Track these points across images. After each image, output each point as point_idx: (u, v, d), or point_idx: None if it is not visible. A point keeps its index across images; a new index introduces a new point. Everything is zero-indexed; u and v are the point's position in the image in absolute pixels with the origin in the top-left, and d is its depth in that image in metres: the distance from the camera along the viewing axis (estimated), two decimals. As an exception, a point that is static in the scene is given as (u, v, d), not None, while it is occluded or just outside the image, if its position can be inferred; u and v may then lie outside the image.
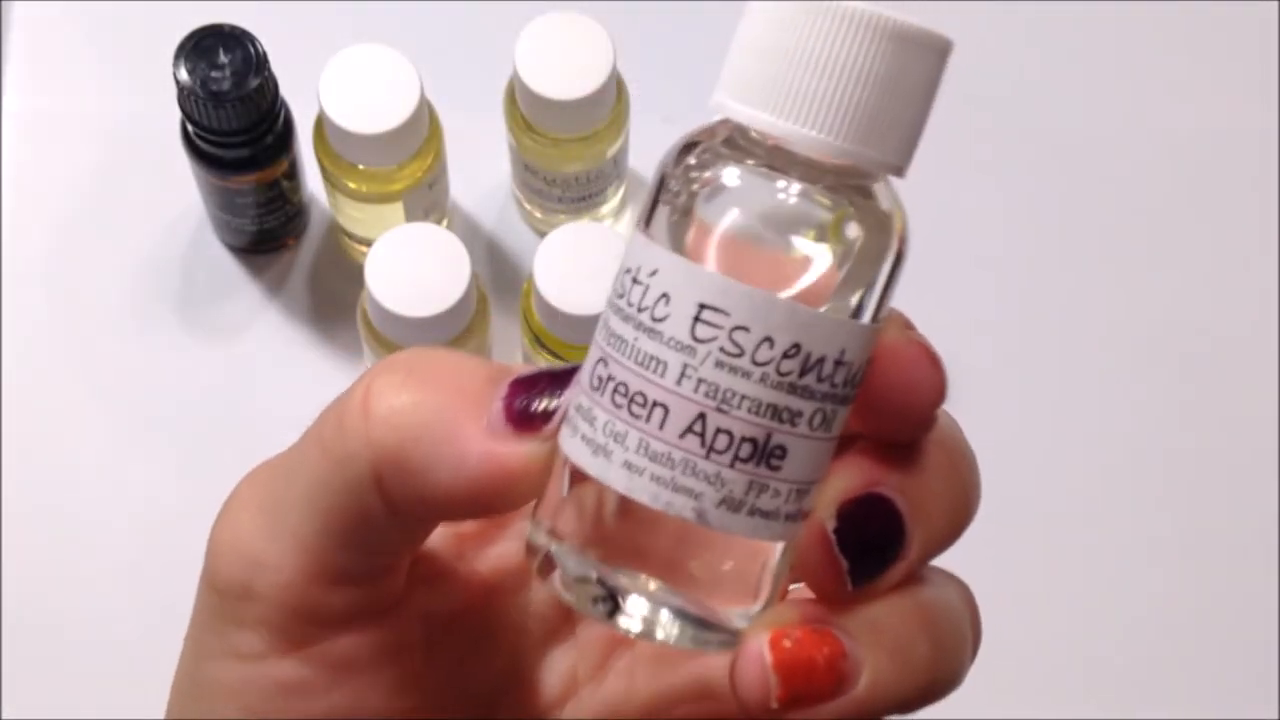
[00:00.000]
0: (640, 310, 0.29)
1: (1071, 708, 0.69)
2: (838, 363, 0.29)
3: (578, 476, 0.30)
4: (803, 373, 0.29)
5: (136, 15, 0.76)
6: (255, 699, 0.31)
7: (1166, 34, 0.79)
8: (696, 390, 0.29)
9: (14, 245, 0.73)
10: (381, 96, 0.64)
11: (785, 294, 0.29)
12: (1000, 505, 0.74)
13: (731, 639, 0.30)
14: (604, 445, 0.29)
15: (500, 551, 0.34)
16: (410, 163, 0.67)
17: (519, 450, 0.29)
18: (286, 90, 0.66)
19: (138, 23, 0.76)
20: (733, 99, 0.29)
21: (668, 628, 0.30)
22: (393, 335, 0.63)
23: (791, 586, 0.31)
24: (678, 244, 0.29)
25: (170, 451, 0.71)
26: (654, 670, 0.34)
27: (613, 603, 0.30)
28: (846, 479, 0.30)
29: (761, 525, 0.29)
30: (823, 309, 0.29)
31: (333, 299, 0.73)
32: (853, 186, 0.29)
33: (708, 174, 0.30)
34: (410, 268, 0.62)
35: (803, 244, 0.29)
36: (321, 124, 0.66)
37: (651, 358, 0.29)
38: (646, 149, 0.72)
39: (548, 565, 0.30)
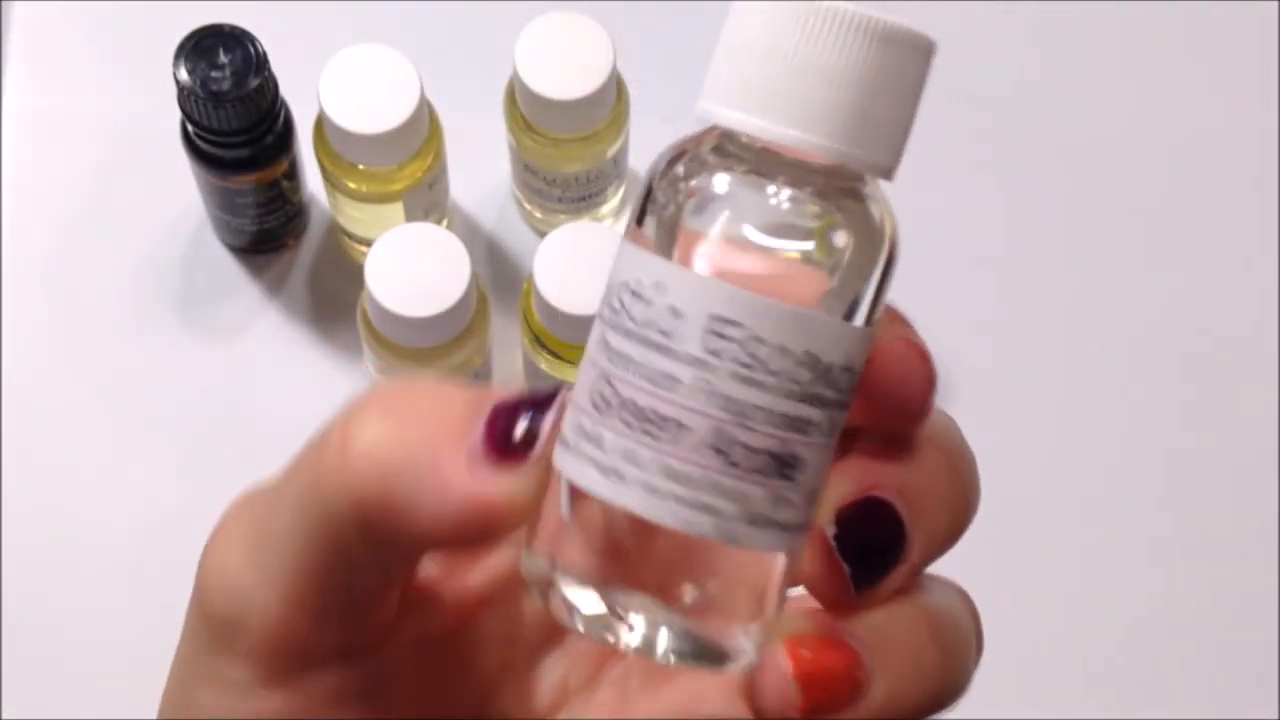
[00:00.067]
0: (646, 326, 0.28)
1: (1071, 708, 0.69)
2: (844, 369, 0.29)
3: (579, 500, 0.29)
4: (815, 381, 0.29)
5: (136, 15, 0.76)
6: None
7: (1166, 34, 0.79)
8: (715, 405, 0.28)
9: (14, 245, 0.73)
10: (381, 96, 0.64)
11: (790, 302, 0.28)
12: (1000, 505, 0.74)
13: (746, 656, 0.29)
14: (616, 467, 0.28)
15: (491, 562, 0.34)
16: (410, 163, 0.67)
17: (503, 484, 0.29)
18: (286, 90, 0.66)
19: (138, 23, 0.76)
20: (719, 105, 0.29)
21: (682, 650, 0.29)
22: (393, 335, 0.63)
23: (790, 592, 0.31)
24: (669, 255, 0.29)
25: (170, 451, 0.71)
26: (647, 681, 0.34)
27: (624, 628, 0.29)
28: (844, 484, 0.30)
29: (779, 538, 0.29)
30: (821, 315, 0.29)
31: (333, 299, 0.73)
32: (842, 190, 0.29)
33: (696, 183, 0.29)
34: (410, 268, 0.62)
35: (796, 250, 0.29)
36: (321, 124, 0.66)
37: (664, 374, 0.28)
38: (646, 149, 0.72)
39: (552, 594, 0.30)
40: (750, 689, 0.30)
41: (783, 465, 0.29)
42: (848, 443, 0.30)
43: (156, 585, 0.69)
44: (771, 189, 0.29)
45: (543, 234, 0.65)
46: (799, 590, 0.31)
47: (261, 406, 0.72)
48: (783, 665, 0.29)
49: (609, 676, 0.34)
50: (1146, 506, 0.73)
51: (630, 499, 0.28)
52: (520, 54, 0.65)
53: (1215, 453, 0.73)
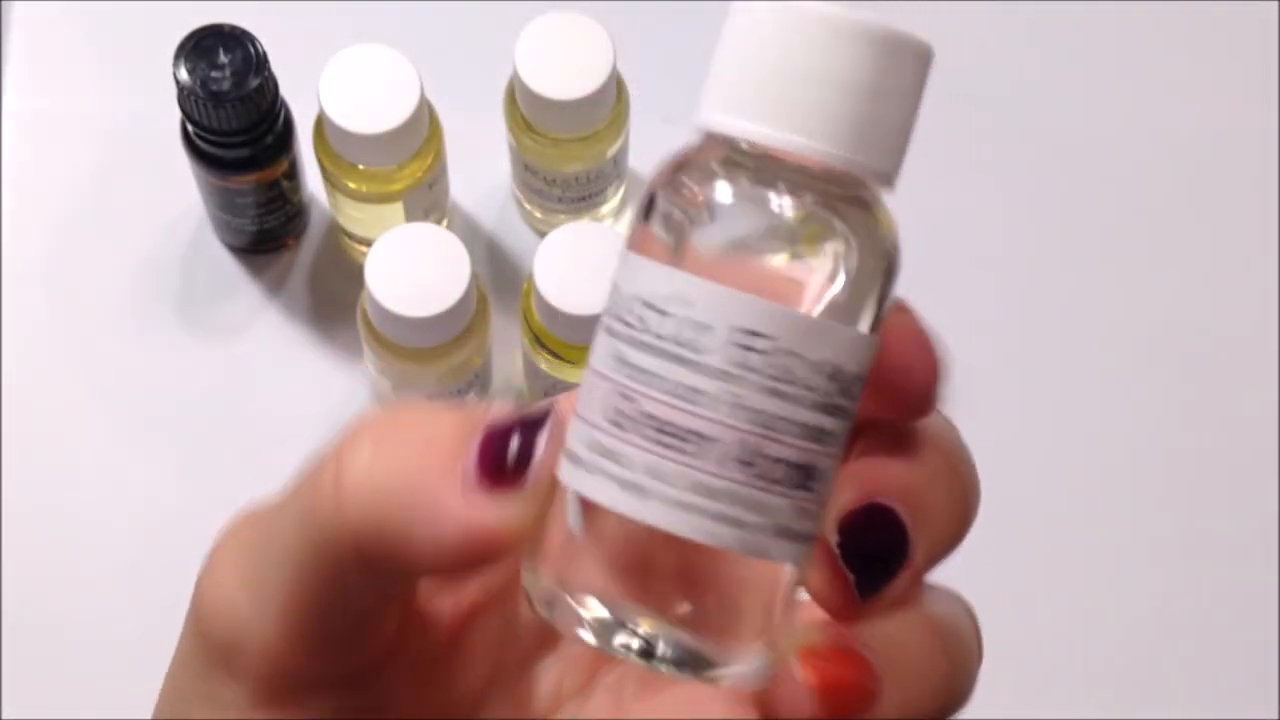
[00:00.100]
0: (668, 340, 0.28)
1: (1071, 708, 0.69)
2: (858, 378, 0.29)
3: (590, 516, 0.29)
4: (836, 391, 0.28)
5: (136, 15, 0.76)
6: None
7: (1166, 34, 0.79)
8: (742, 418, 0.28)
9: (14, 245, 0.73)
10: (381, 96, 0.64)
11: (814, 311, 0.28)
12: (1000, 505, 0.74)
13: (756, 667, 0.29)
14: (638, 483, 0.28)
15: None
16: (410, 163, 0.67)
17: (501, 511, 0.28)
18: (286, 90, 0.66)
19: (138, 23, 0.76)
20: (722, 113, 0.29)
21: (692, 663, 0.29)
22: (393, 335, 0.63)
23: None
24: (681, 267, 0.28)
25: (170, 451, 0.71)
26: (643, 688, 0.34)
27: (635, 642, 0.29)
28: (846, 491, 0.30)
29: (800, 550, 0.29)
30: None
31: (333, 299, 0.73)
32: (846, 198, 0.29)
33: (702, 193, 0.29)
34: (410, 268, 0.62)
35: (803, 260, 0.29)
36: (321, 124, 0.66)
37: (689, 388, 0.28)
38: (646, 149, 0.72)
39: (559, 610, 0.29)
40: (767, 701, 0.29)
41: (805, 476, 0.28)
42: (848, 446, 0.30)
43: (156, 585, 0.69)
44: (776, 198, 0.29)
45: (543, 234, 0.65)
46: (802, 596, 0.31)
47: (261, 406, 0.72)
48: (800, 677, 0.29)
49: (603, 683, 0.34)
50: (1146, 506, 0.73)
51: (654, 514, 0.28)
52: (520, 54, 0.65)
53: (1215, 453, 0.73)
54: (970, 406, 0.76)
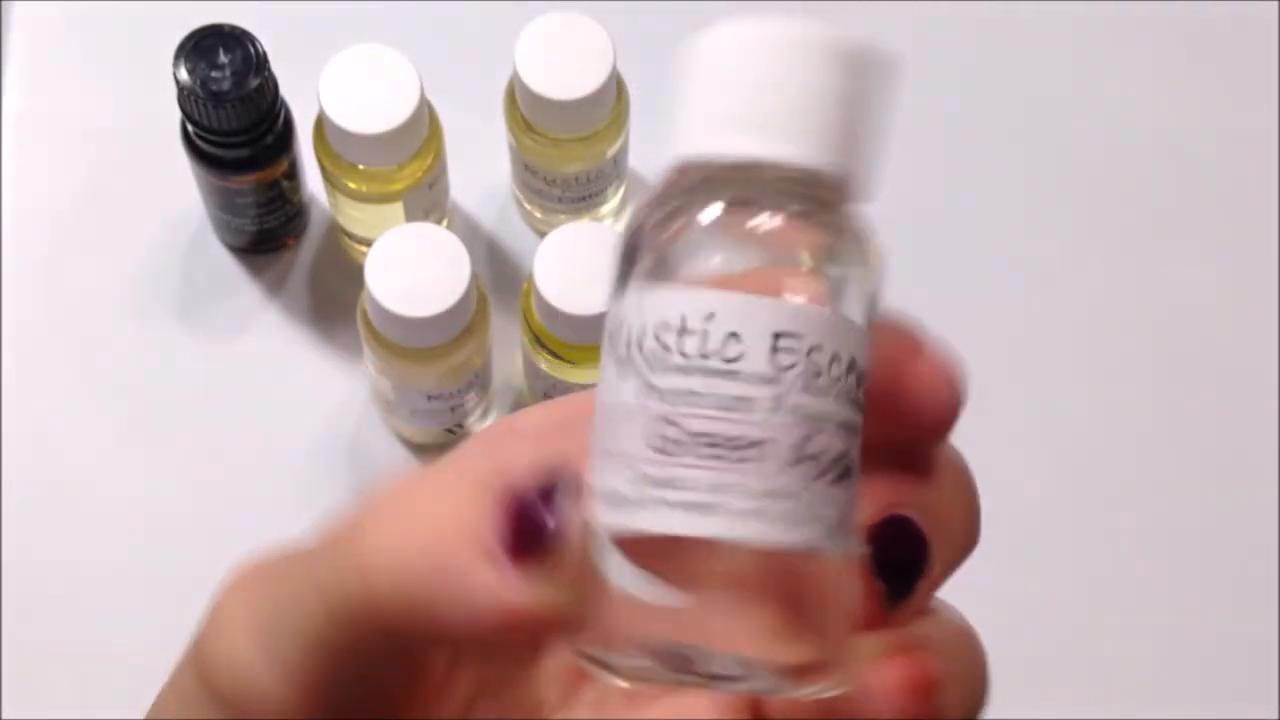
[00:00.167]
0: (706, 356, 0.28)
1: (1072, 708, 0.69)
2: (866, 372, 0.29)
3: (646, 563, 0.28)
4: (858, 385, 0.29)
5: (136, 15, 0.76)
6: None
7: (1167, 34, 0.79)
8: (792, 419, 0.28)
9: (14, 245, 0.73)
10: (381, 96, 0.64)
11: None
12: (1000, 506, 0.74)
13: (844, 675, 0.29)
14: (705, 502, 0.27)
15: None
16: (410, 163, 0.67)
17: (534, 592, 0.28)
18: (286, 90, 0.66)
19: (138, 23, 0.76)
20: (697, 138, 0.29)
21: (780, 687, 0.29)
22: (393, 335, 0.63)
23: None
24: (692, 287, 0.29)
25: (170, 451, 0.71)
26: (629, 706, 0.33)
27: (734, 676, 0.28)
28: (868, 506, 0.30)
29: (855, 544, 0.29)
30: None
31: (333, 299, 0.73)
32: (825, 201, 0.29)
33: (689, 217, 0.29)
34: (410, 268, 0.62)
35: (798, 261, 0.29)
36: (321, 124, 0.66)
37: (736, 399, 0.28)
38: (646, 149, 0.72)
39: (625, 667, 0.29)
40: (855, 708, 0.29)
41: (846, 470, 0.29)
42: (865, 464, 0.30)
43: (156, 585, 0.69)
44: (762, 208, 0.29)
45: (543, 234, 0.65)
46: None
47: (261, 406, 0.72)
48: (894, 682, 0.29)
49: (585, 699, 0.34)
50: (1147, 506, 0.73)
51: (725, 528, 0.28)
52: (520, 54, 0.65)
53: (1215, 453, 0.73)
54: (970, 407, 0.76)
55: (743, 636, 0.28)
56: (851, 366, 0.29)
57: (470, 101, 0.70)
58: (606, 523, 0.28)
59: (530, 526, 0.28)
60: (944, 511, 0.31)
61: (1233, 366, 0.75)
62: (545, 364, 0.66)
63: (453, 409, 0.68)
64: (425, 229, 0.64)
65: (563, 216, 0.72)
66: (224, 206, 0.70)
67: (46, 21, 0.77)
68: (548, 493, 0.28)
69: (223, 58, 0.63)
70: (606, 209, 0.73)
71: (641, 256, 0.29)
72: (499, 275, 0.73)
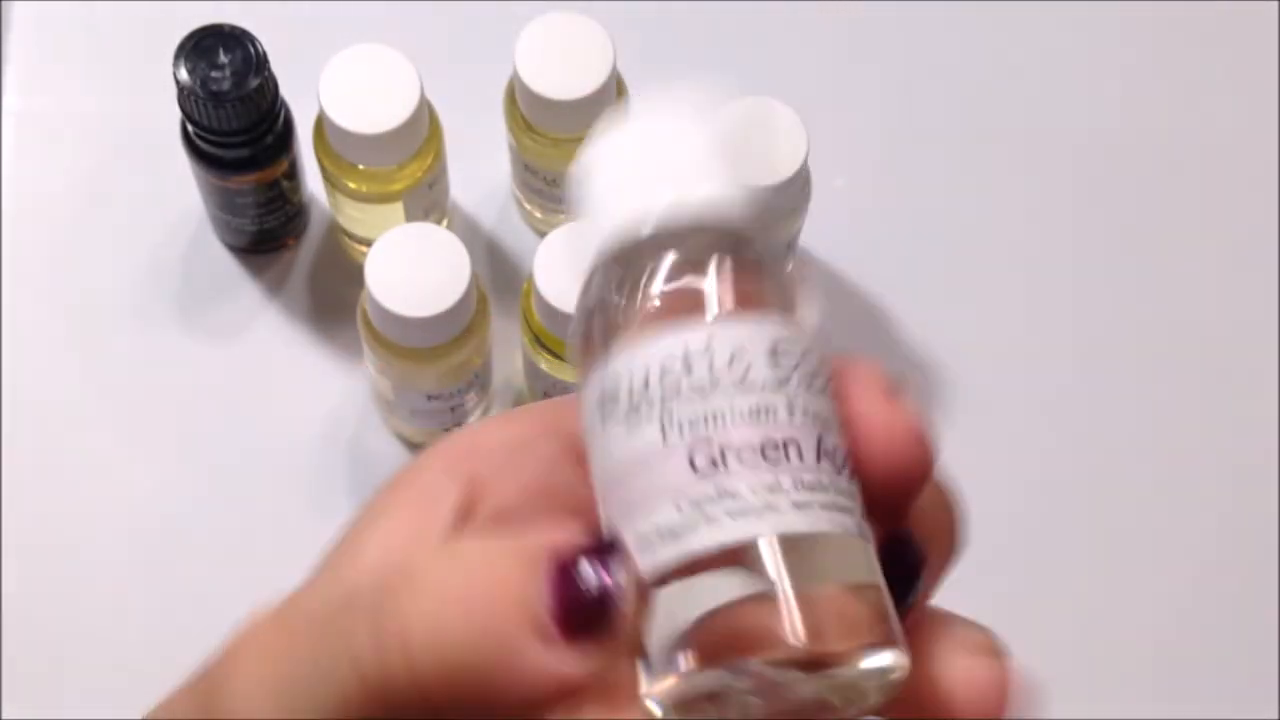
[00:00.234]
0: (718, 378, 0.29)
1: (1072, 708, 0.69)
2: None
3: (709, 594, 0.28)
4: (828, 379, 0.31)
5: (136, 15, 0.76)
6: None
7: (1167, 34, 0.79)
8: (808, 416, 0.29)
9: (14, 245, 0.73)
10: (381, 96, 0.64)
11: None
12: (1001, 506, 0.74)
13: (906, 664, 0.29)
14: (762, 504, 0.28)
15: None
16: (410, 163, 0.67)
17: (587, 663, 0.28)
18: (286, 90, 0.66)
19: (138, 23, 0.76)
20: (626, 215, 0.31)
21: (876, 684, 0.29)
22: (393, 335, 0.63)
23: None
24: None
25: (170, 451, 0.71)
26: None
27: (837, 684, 0.29)
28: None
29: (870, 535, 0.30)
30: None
31: (333, 299, 0.73)
32: (744, 232, 0.31)
33: (648, 271, 0.31)
34: (410, 268, 0.62)
35: (757, 282, 0.31)
36: (321, 124, 0.66)
37: (760, 408, 0.29)
38: (646, 149, 0.72)
39: (731, 702, 0.29)
40: (955, 704, 0.30)
41: (846, 460, 0.30)
42: None
43: (156, 585, 0.69)
44: (704, 245, 0.31)
45: (543, 234, 0.65)
46: None
47: (261, 406, 0.72)
48: (1001, 677, 0.30)
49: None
50: (1146, 506, 0.73)
51: (791, 522, 0.28)
52: (520, 54, 0.65)
53: (1215, 453, 0.73)
54: (970, 407, 0.76)
55: (833, 630, 0.28)
56: (822, 361, 0.30)
57: (470, 101, 0.70)
58: (662, 561, 0.29)
59: (583, 599, 0.28)
60: (932, 528, 0.31)
61: (1233, 366, 0.75)
62: (545, 364, 0.66)
63: (453, 409, 0.68)
64: (425, 229, 0.64)
65: (563, 216, 0.72)
66: (224, 206, 0.70)
67: (46, 21, 0.77)
68: (597, 559, 0.29)
69: (223, 58, 0.63)
70: (606, 209, 0.73)
71: (615, 321, 0.31)
72: (499, 275, 0.73)
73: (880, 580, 0.30)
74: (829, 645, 0.28)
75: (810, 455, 0.29)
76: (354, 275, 0.66)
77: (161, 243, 0.74)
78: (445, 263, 0.62)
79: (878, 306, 0.73)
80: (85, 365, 0.72)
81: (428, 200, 0.69)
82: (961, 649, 0.31)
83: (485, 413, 0.71)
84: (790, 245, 0.69)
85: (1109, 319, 0.75)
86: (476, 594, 0.28)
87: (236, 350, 0.73)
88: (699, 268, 0.30)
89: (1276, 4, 0.79)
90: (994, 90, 0.77)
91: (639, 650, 0.29)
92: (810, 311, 0.31)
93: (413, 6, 0.76)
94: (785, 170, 0.63)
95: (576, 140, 0.67)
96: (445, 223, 0.71)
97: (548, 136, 0.67)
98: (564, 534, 0.29)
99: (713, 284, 0.30)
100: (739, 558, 0.28)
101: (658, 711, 0.29)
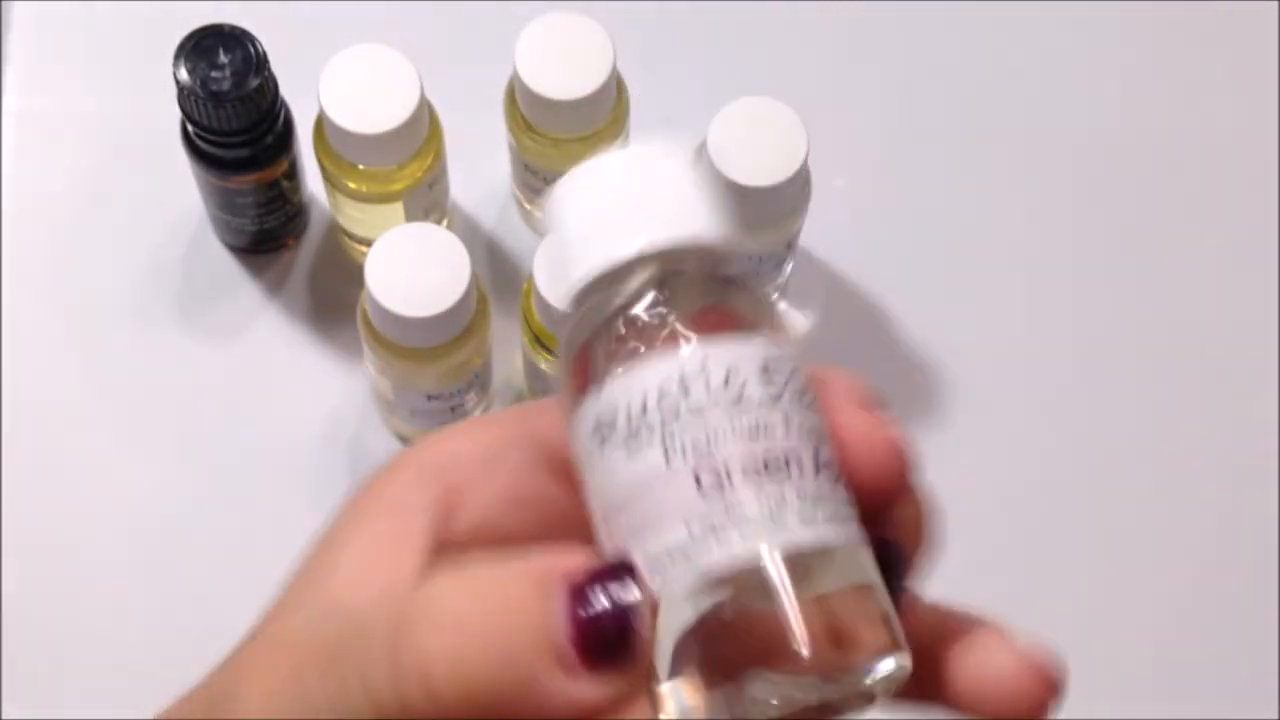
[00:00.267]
0: (715, 398, 0.30)
1: (1072, 708, 0.69)
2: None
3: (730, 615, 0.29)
4: (814, 393, 0.31)
5: (136, 15, 0.76)
6: None
7: (1167, 34, 0.79)
8: (802, 431, 0.30)
9: (14, 245, 0.73)
10: (381, 96, 0.64)
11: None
12: (1001, 506, 0.74)
13: (909, 665, 0.30)
14: (770, 518, 0.29)
15: None
16: (410, 163, 0.67)
17: (608, 688, 0.28)
18: (286, 90, 0.66)
19: (138, 23, 0.76)
20: (608, 253, 0.31)
21: (887, 685, 0.30)
22: (393, 335, 0.63)
23: None
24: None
25: (170, 451, 0.71)
26: None
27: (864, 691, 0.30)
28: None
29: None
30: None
31: (333, 299, 0.73)
32: (711, 259, 0.32)
33: (627, 304, 0.31)
34: (410, 268, 0.62)
35: (730, 307, 0.32)
36: (321, 124, 0.66)
37: (756, 426, 0.30)
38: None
39: (758, 709, 0.29)
40: (1001, 695, 0.32)
41: (839, 471, 0.31)
42: None
43: (156, 585, 0.69)
44: (684, 271, 0.32)
45: (543, 234, 0.65)
46: None
47: (261, 406, 0.72)
48: (1040, 662, 0.32)
49: None
50: (1146, 506, 0.73)
51: (799, 537, 0.29)
52: (520, 54, 0.65)
53: (1215, 453, 0.73)
54: (971, 408, 0.76)
55: (843, 639, 0.29)
56: (812, 383, 0.31)
57: (470, 101, 0.70)
58: (674, 581, 0.29)
59: (602, 626, 0.28)
60: (908, 528, 0.32)
61: (1233, 366, 0.75)
62: (545, 364, 0.66)
63: (453, 409, 0.68)
64: (425, 229, 0.64)
65: (563, 216, 0.71)
66: (224, 206, 0.70)
67: (46, 21, 0.77)
68: (609, 585, 0.29)
69: (223, 58, 0.63)
70: (606, 209, 0.73)
71: (604, 352, 0.31)
72: (499, 275, 0.73)
73: (880, 583, 0.30)
74: (840, 655, 0.29)
75: (810, 468, 0.30)
76: (354, 275, 0.66)
77: (161, 243, 0.74)
78: (445, 263, 0.62)
79: (878, 306, 0.73)
80: (85, 365, 0.72)
81: (428, 200, 0.69)
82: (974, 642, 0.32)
83: (485, 413, 0.71)
84: (790, 245, 0.69)
85: (1109, 319, 0.75)
86: (495, 625, 0.29)
87: (236, 350, 0.73)
88: (681, 293, 0.31)
89: (1276, 4, 0.79)
90: (994, 90, 0.77)
91: (653, 670, 0.29)
92: (791, 326, 0.32)
93: (413, 6, 0.76)
94: (785, 170, 0.63)
95: (576, 140, 0.67)
96: (445, 223, 0.71)
97: (548, 136, 0.67)
98: (574, 558, 0.29)
99: (697, 308, 0.31)
100: (751, 573, 0.29)
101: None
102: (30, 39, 0.76)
